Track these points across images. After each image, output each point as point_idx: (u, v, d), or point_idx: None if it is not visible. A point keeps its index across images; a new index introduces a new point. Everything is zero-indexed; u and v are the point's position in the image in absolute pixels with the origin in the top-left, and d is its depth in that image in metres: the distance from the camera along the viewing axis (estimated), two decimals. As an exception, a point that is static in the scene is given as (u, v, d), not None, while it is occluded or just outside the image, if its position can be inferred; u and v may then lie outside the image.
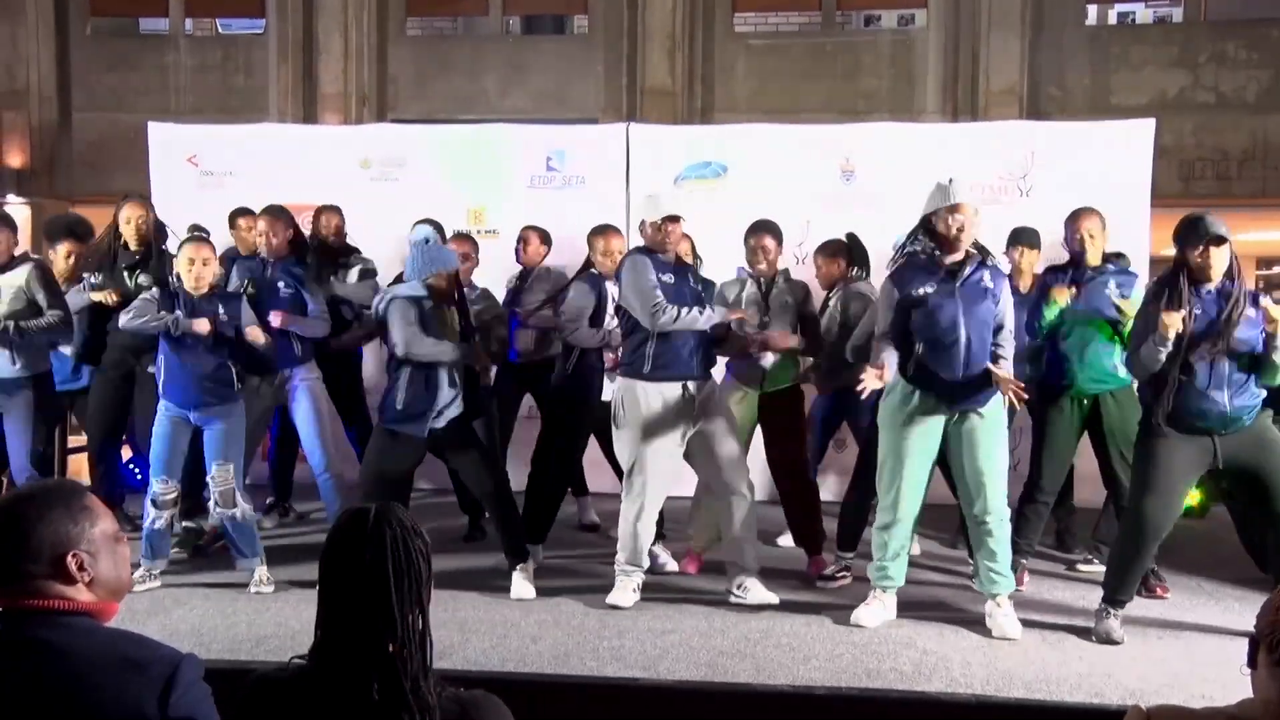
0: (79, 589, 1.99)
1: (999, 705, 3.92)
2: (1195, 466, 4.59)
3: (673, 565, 5.65)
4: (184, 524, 5.81)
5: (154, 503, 5.29)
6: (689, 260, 5.64)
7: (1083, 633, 4.69)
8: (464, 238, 6.48)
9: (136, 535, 5.64)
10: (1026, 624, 4.75)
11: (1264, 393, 4.54)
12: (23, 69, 13.59)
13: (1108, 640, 4.56)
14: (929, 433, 4.77)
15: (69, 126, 13.70)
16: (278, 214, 6.27)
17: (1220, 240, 4.39)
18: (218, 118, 11.04)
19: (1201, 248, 4.40)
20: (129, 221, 6.07)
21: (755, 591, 5.06)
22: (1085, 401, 5.38)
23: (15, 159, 13.61)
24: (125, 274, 6.07)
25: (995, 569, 4.76)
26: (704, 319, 5.08)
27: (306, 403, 6.17)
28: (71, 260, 6.30)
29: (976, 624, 4.78)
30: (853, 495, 5.61)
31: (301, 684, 1.97)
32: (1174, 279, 4.48)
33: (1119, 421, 5.28)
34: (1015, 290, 5.49)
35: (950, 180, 4.74)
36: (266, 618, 4.84)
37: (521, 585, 5.21)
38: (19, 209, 12.94)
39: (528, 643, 4.52)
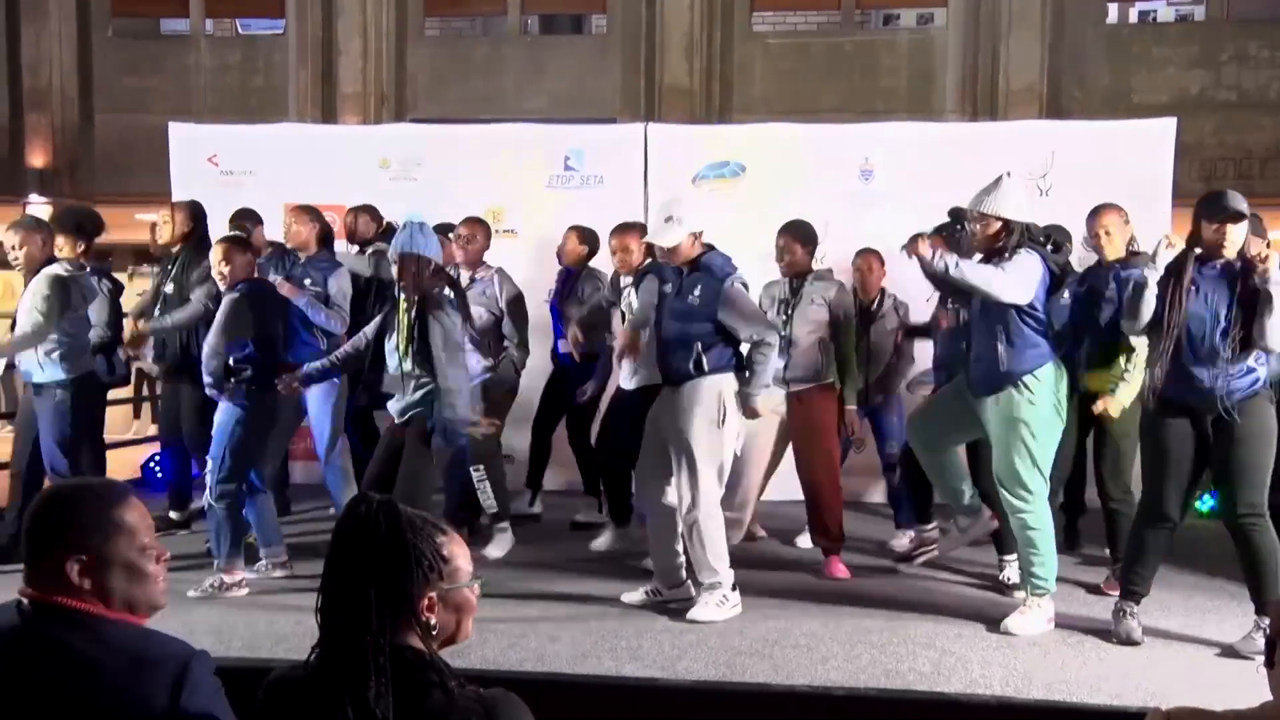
0: (94, 595, 1.99)
1: (1018, 706, 3.91)
2: (1193, 446, 4.54)
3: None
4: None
5: (209, 490, 5.35)
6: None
7: (1102, 634, 4.66)
8: (473, 221, 6.42)
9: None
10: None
11: (1258, 379, 4.44)
12: (45, 70, 13.70)
13: (1128, 641, 4.54)
14: (971, 413, 4.88)
15: (91, 127, 13.80)
16: (305, 209, 6.39)
17: (1238, 217, 4.36)
18: (237, 118, 11.10)
19: (1217, 224, 4.38)
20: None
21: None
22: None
23: (38, 159, 13.72)
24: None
25: (1029, 571, 4.81)
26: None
27: (320, 390, 6.06)
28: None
29: (996, 625, 4.76)
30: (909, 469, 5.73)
31: (312, 681, 1.98)
32: (1187, 251, 4.48)
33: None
34: None
35: (995, 180, 4.79)
36: (286, 615, 4.85)
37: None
38: (42, 209, 13.04)
39: (546, 642, 4.52)
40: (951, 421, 5.03)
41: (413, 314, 4.99)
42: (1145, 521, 4.62)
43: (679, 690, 4.07)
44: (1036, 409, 4.69)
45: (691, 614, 4.82)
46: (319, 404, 6.18)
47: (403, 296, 5.05)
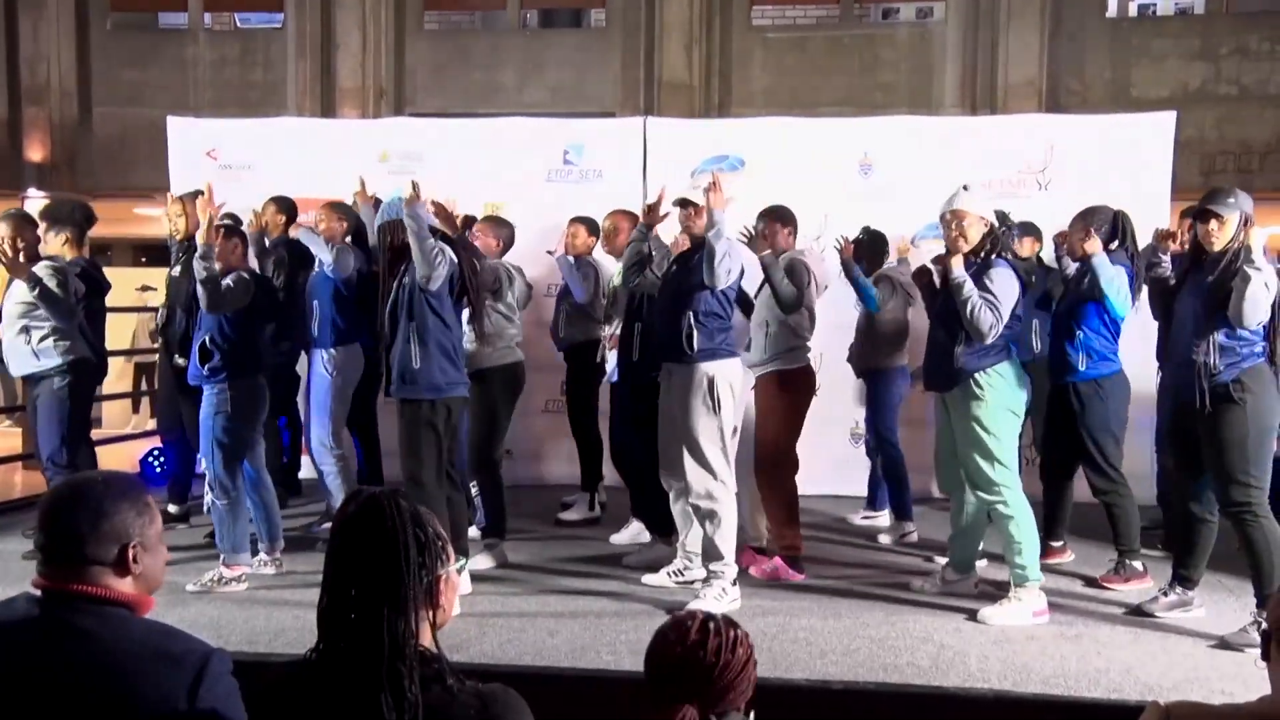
0: (124, 580, 2.03)
1: (1017, 700, 3.91)
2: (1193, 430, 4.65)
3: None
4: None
5: (210, 486, 5.35)
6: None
7: (1101, 628, 4.67)
8: (490, 221, 6.41)
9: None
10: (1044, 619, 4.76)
11: (1237, 367, 4.46)
12: (44, 65, 13.68)
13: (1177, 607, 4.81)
14: (942, 415, 5.05)
15: (89, 121, 13.78)
16: (336, 205, 6.34)
17: (1207, 215, 4.54)
18: (236, 112, 11.10)
19: (1192, 219, 4.71)
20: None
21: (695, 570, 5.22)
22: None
23: (36, 153, 13.70)
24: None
25: (1010, 560, 4.87)
26: None
27: (321, 376, 6.03)
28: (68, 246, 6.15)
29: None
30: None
31: (312, 673, 1.99)
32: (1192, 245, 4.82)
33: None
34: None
35: (957, 189, 4.91)
36: (284, 610, 4.86)
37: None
38: (40, 203, 13.03)
39: (545, 636, 4.53)
40: (952, 449, 5.05)
41: (394, 281, 5.02)
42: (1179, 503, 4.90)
43: (678, 684, 4.07)
44: (988, 405, 4.80)
45: (690, 606, 4.82)
46: (317, 384, 6.10)
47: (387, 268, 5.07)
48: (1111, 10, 13.06)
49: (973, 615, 4.78)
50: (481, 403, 5.65)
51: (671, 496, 5.23)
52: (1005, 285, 4.77)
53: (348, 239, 6.11)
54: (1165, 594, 4.86)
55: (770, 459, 5.56)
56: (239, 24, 14.74)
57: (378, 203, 5.84)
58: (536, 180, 7.68)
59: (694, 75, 12.89)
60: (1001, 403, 4.81)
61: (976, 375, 4.79)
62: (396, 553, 1.95)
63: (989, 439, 4.79)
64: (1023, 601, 4.77)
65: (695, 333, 4.93)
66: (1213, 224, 4.53)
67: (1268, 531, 4.46)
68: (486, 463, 5.76)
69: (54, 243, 5.90)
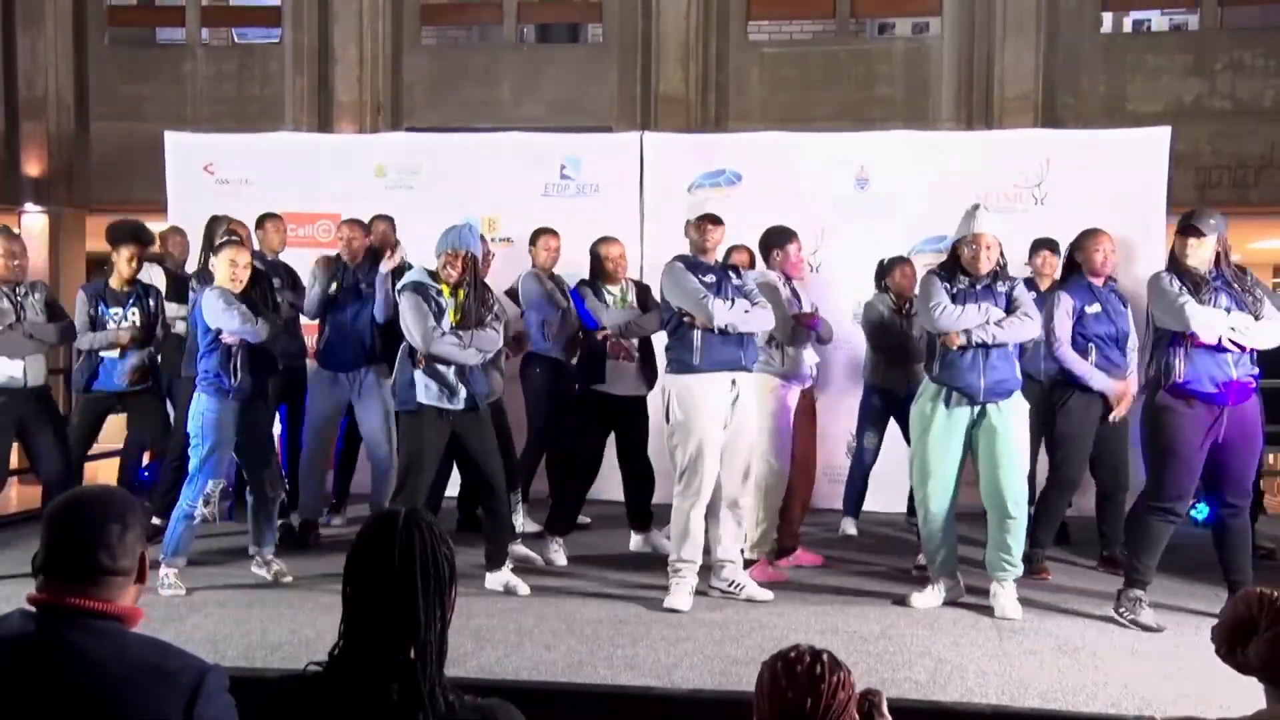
0: (129, 591, 2.04)
1: (1015, 715, 3.91)
2: (1203, 435, 4.79)
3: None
4: (280, 521, 6.19)
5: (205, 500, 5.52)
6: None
7: (1100, 643, 4.67)
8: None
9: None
10: (1042, 633, 4.76)
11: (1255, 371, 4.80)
12: (41, 78, 13.68)
13: (1147, 628, 4.83)
14: (954, 429, 5.05)
15: (87, 135, 13.77)
16: (357, 223, 6.51)
17: (1198, 232, 4.77)
18: (234, 127, 11.10)
19: (1180, 237, 4.84)
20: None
21: (750, 587, 5.31)
22: None
23: (33, 168, 13.69)
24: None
25: (1008, 559, 5.07)
26: (755, 317, 5.23)
27: (376, 397, 6.30)
28: (134, 264, 6.38)
29: (992, 632, 4.77)
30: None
31: (321, 688, 1.99)
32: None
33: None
34: (1035, 290, 5.85)
35: (976, 208, 5.05)
36: (281, 625, 4.85)
37: (500, 581, 5.42)
38: (37, 218, 13.05)
39: (541, 651, 4.52)
40: (949, 465, 5.12)
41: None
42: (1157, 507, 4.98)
43: (675, 699, 4.07)
44: (1026, 414, 5.16)
45: (667, 602, 5.12)
46: (375, 408, 6.36)
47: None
48: (1106, 25, 13.10)
49: (979, 633, 4.79)
50: (501, 425, 5.98)
51: (713, 509, 5.27)
52: (1029, 300, 5.13)
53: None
54: (1141, 603, 4.92)
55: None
56: (236, 39, 14.76)
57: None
58: (533, 195, 7.69)
59: (690, 89, 12.91)
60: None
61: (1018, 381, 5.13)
62: (436, 571, 2.01)
63: (1025, 453, 5.11)
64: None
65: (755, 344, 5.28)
66: (1191, 240, 4.79)
67: (1246, 523, 5.00)
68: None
69: (120, 262, 6.30)
